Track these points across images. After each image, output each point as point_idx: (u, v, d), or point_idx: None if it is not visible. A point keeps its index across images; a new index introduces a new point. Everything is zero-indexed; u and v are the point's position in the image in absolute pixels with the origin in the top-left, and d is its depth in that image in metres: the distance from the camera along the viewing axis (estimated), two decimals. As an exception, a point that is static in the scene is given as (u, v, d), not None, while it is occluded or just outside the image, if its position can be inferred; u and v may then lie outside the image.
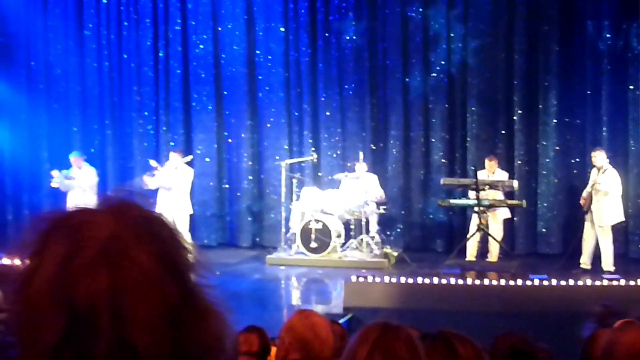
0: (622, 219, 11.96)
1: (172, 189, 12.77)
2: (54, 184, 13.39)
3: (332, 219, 13.10)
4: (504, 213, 12.68)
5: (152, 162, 13.19)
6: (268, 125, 14.75)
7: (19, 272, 1.10)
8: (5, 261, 11.20)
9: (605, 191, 11.59)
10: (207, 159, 14.84)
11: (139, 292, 1.06)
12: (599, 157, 11.84)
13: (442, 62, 14.09)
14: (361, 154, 13.41)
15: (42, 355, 1.05)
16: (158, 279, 1.08)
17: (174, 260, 1.12)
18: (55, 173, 13.34)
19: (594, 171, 11.99)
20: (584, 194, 11.96)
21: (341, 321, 8.55)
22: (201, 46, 14.86)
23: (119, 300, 1.05)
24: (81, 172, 13.31)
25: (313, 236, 12.82)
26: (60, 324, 1.04)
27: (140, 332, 1.05)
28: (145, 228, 1.11)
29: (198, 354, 1.11)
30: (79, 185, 13.13)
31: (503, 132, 13.96)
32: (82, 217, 1.12)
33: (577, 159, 13.46)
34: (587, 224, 11.87)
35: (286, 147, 14.67)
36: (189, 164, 13.37)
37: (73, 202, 12.78)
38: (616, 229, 12.10)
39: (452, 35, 14.06)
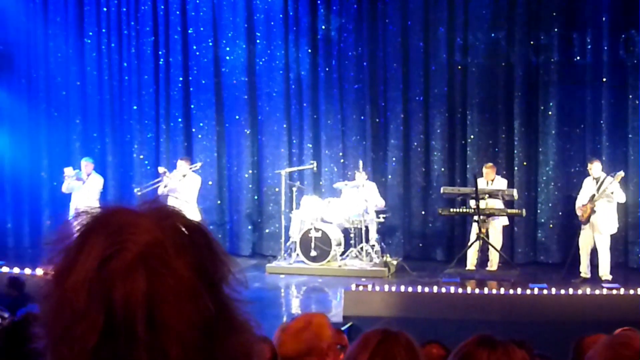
0: (617, 226, 12.02)
1: (180, 196, 12.74)
2: (67, 179, 13.21)
3: (332, 227, 13.09)
4: (503, 221, 12.69)
5: (160, 169, 13.24)
6: (268, 134, 14.75)
7: (55, 267, 1.09)
8: (5, 269, 11.25)
9: (618, 201, 11.73)
10: (208, 168, 14.85)
11: (175, 301, 1.06)
12: (596, 168, 11.86)
13: (442, 71, 14.10)
14: (361, 163, 13.42)
15: (81, 356, 1.03)
16: (194, 290, 1.08)
17: (210, 271, 1.11)
18: (69, 171, 13.26)
19: (589, 181, 11.97)
20: (580, 204, 11.95)
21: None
22: (201, 55, 14.88)
23: (155, 307, 1.04)
24: (90, 179, 13.30)
25: (313, 245, 12.81)
26: (99, 324, 1.03)
27: (173, 341, 1.04)
28: (185, 237, 1.11)
29: None
30: (87, 190, 13.10)
31: (503, 140, 13.97)
32: (124, 218, 1.10)
33: (577, 168, 13.43)
34: (582, 233, 11.88)
35: (286, 155, 14.68)
36: (196, 171, 13.41)
37: (75, 206, 12.84)
38: (615, 239, 12.13)
39: (452, 44, 14.08)
